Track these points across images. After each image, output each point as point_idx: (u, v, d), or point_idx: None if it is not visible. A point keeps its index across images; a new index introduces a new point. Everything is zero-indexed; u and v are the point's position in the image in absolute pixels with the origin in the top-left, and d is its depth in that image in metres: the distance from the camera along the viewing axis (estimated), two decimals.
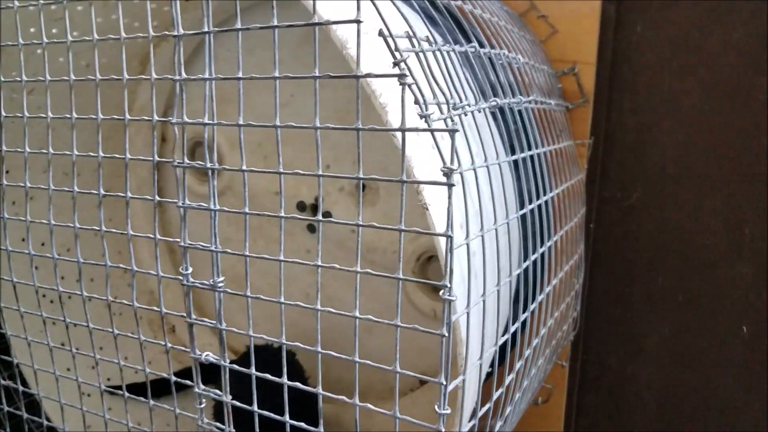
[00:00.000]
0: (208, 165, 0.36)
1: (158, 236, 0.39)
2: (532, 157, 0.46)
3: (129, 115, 0.39)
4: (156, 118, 0.37)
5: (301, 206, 0.71)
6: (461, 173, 0.32)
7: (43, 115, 0.42)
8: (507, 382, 0.40)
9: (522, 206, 0.43)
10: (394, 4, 0.34)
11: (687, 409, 0.73)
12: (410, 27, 0.31)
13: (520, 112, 0.46)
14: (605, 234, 0.74)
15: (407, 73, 0.26)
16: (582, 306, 0.74)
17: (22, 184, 0.44)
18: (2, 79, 0.46)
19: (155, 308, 0.41)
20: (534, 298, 0.46)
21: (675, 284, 0.72)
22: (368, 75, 0.28)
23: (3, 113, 0.45)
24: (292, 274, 0.73)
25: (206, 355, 0.40)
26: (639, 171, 0.72)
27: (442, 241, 0.29)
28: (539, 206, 0.45)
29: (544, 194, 0.48)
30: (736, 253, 0.68)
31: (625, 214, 0.73)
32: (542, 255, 0.47)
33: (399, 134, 0.29)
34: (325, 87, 0.64)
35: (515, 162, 0.44)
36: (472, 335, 0.34)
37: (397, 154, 0.28)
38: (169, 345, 0.41)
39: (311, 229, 0.73)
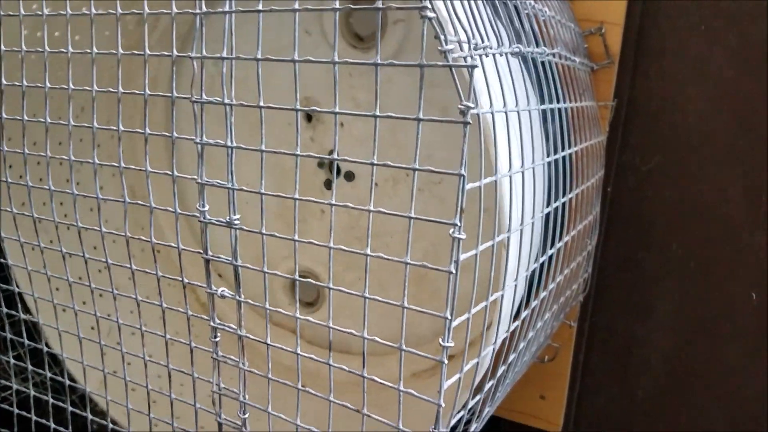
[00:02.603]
0: (226, 101, 0.36)
1: (176, 173, 0.40)
2: (557, 109, 0.45)
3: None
4: (175, 53, 0.37)
5: (320, 163, 0.71)
6: (492, 113, 0.32)
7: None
8: (512, 328, 0.40)
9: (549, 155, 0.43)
10: None
11: (693, 374, 0.74)
12: None
13: (543, 63, 0.45)
14: (622, 198, 0.74)
15: (428, 5, 0.26)
16: (594, 268, 0.74)
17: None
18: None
19: (172, 244, 0.42)
20: (545, 251, 0.46)
21: (689, 251, 0.71)
22: (389, 7, 0.27)
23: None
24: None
25: (221, 291, 0.41)
26: (660, 137, 0.71)
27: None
28: (562, 159, 0.45)
29: (564, 149, 0.48)
30: (753, 223, 0.68)
31: (643, 180, 0.73)
32: (558, 209, 0.47)
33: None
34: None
35: (543, 111, 0.44)
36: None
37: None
38: (186, 280, 0.42)
39: (328, 185, 0.73)
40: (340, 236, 0.69)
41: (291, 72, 0.33)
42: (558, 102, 0.47)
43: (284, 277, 0.38)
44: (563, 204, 0.50)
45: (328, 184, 0.72)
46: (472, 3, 0.33)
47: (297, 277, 0.37)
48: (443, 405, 0.34)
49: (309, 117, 0.69)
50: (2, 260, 0.60)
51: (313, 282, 0.39)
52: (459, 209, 0.30)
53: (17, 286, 0.57)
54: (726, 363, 0.72)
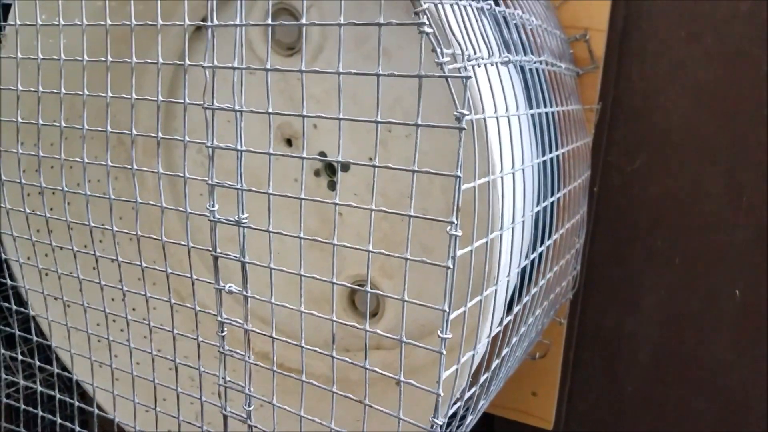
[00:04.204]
0: (236, 108, 0.39)
1: (188, 175, 0.42)
2: (546, 113, 0.48)
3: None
4: (187, 62, 0.40)
5: (317, 172, 0.73)
6: (485, 119, 0.34)
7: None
8: (505, 322, 0.43)
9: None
10: None
11: (680, 368, 0.76)
12: None
13: (531, 71, 0.48)
14: (608, 197, 0.76)
15: (426, 21, 0.29)
16: (582, 266, 0.77)
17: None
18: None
19: (182, 243, 0.44)
20: (535, 249, 0.48)
21: (673, 247, 0.74)
22: (389, 23, 0.30)
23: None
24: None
25: (229, 286, 0.43)
26: (644, 137, 0.74)
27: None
28: (551, 160, 0.47)
29: (552, 151, 0.50)
30: (734, 219, 0.71)
31: (629, 179, 0.75)
32: (548, 208, 0.50)
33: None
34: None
35: (532, 115, 0.47)
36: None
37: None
38: (195, 277, 0.44)
39: (331, 186, 0.75)
40: (366, 227, 0.71)
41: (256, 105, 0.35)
42: (546, 106, 0.50)
43: (289, 272, 0.40)
44: (552, 203, 0.53)
45: (331, 185, 0.74)
46: (464, 16, 0.36)
47: (302, 272, 0.40)
48: (442, 394, 0.37)
49: (289, 141, 0.71)
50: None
51: (318, 278, 0.41)
52: (456, 208, 0.32)
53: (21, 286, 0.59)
54: (712, 356, 0.75)
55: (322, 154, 0.70)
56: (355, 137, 0.67)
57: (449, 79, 0.30)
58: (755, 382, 0.73)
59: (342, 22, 0.32)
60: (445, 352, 0.34)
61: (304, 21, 0.30)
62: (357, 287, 0.39)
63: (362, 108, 0.64)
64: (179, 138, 0.40)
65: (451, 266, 0.33)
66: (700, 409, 0.76)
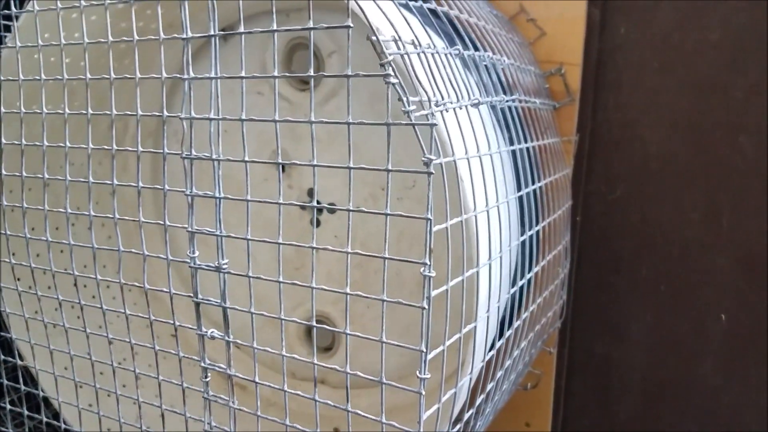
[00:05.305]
0: (214, 156, 0.40)
1: (168, 222, 0.43)
2: (521, 149, 0.49)
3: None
4: (165, 113, 0.41)
5: (302, 207, 0.74)
6: (455, 161, 0.35)
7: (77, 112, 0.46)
8: (487, 358, 0.43)
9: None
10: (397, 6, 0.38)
11: (669, 392, 0.77)
12: (396, 32, 0.34)
13: (503, 109, 0.49)
14: (591, 226, 0.78)
15: (392, 73, 0.30)
16: (569, 295, 0.78)
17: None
18: (45, 76, 0.49)
19: (165, 289, 0.45)
20: (514, 283, 0.49)
21: (657, 274, 0.75)
22: (357, 74, 0.31)
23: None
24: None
25: (211, 332, 0.43)
26: (623, 166, 0.75)
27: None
28: (530, 193, 0.48)
29: (531, 184, 0.51)
30: (715, 243, 0.72)
31: (610, 208, 0.77)
32: (528, 241, 0.51)
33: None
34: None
35: (509, 152, 0.48)
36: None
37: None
38: (177, 323, 0.45)
39: (316, 223, 0.76)
40: (340, 266, 0.72)
41: (256, 132, 0.36)
42: (521, 142, 0.51)
43: (270, 316, 0.41)
44: (533, 236, 0.54)
45: (315, 222, 0.75)
46: (432, 63, 0.37)
47: (282, 316, 0.40)
48: None
49: (283, 167, 0.72)
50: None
51: (327, 327, 0.42)
52: (428, 249, 0.33)
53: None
54: (701, 381, 0.75)
55: (311, 190, 0.71)
56: (347, 182, 0.68)
57: (416, 126, 0.32)
58: (744, 405, 0.73)
59: (313, 74, 0.33)
60: (424, 392, 0.35)
61: (311, 73, 0.31)
62: (313, 325, 0.39)
63: (362, 157, 0.64)
64: (159, 187, 0.41)
65: (426, 306, 0.34)
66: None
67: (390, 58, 0.30)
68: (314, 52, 0.67)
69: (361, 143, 0.64)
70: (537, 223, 0.55)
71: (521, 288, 0.52)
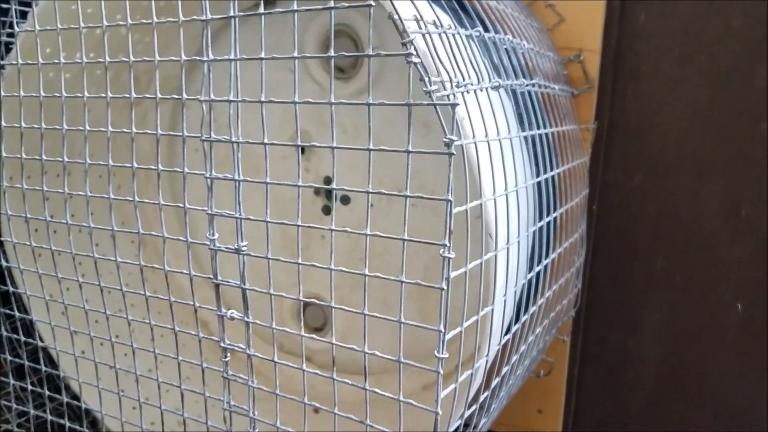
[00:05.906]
0: (233, 139, 0.40)
1: (187, 205, 0.43)
2: (541, 134, 0.49)
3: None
4: (185, 96, 0.41)
5: (317, 191, 0.74)
6: (475, 143, 0.35)
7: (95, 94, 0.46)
8: (503, 341, 0.43)
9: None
10: None
11: (683, 384, 0.76)
12: (418, 12, 0.34)
13: (523, 94, 0.49)
14: (607, 216, 0.77)
15: (413, 52, 0.30)
16: (584, 284, 0.77)
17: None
18: (63, 61, 0.50)
19: (185, 271, 0.45)
20: (532, 268, 0.49)
21: (674, 264, 0.75)
22: (378, 54, 0.31)
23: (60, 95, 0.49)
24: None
25: (231, 313, 0.44)
26: (641, 155, 0.75)
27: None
28: (547, 180, 0.48)
29: (548, 171, 0.51)
30: (733, 235, 0.71)
31: (627, 197, 0.76)
32: (545, 228, 0.51)
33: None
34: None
35: (526, 138, 0.48)
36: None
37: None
38: (198, 304, 0.45)
39: (326, 210, 0.76)
40: (343, 259, 0.72)
41: (280, 109, 0.36)
42: (540, 128, 0.51)
43: (290, 298, 0.41)
44: (549, 222, 0.53)
45: (326, 210, 0.75)
46: (453, 44, 0.37)
47: (300, 298, 0.40)
48: (440, 413, 0.37)
49: (303, 149, 0.72)
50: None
51: (318, 302, 0.42)
52: (447, 231, 0.33)
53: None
54: (715, 372, 0.74)
55: (328, 178, 0.71)
56: (365, 177, 0.68)
57: (438, 107, 0.31)
58: (759, 396, 0.72)
59: (334, 54, 0.33)
60: (441, 371, 0.35)
61: (331, 54, 0.31)
62: (313, 301, 0.39)
63: (385, 157, 0.64)
64: (179, 170, 0.42)
65: (446, 288, 0.34)
66: (705, 424, 0.76)
67: (412, 37, 0.30)
68: (351, 36, 0.68)
69: (386, 141, 0.64)
70: (554, 209, 0.55)
71: (537, 274, 0.52)
